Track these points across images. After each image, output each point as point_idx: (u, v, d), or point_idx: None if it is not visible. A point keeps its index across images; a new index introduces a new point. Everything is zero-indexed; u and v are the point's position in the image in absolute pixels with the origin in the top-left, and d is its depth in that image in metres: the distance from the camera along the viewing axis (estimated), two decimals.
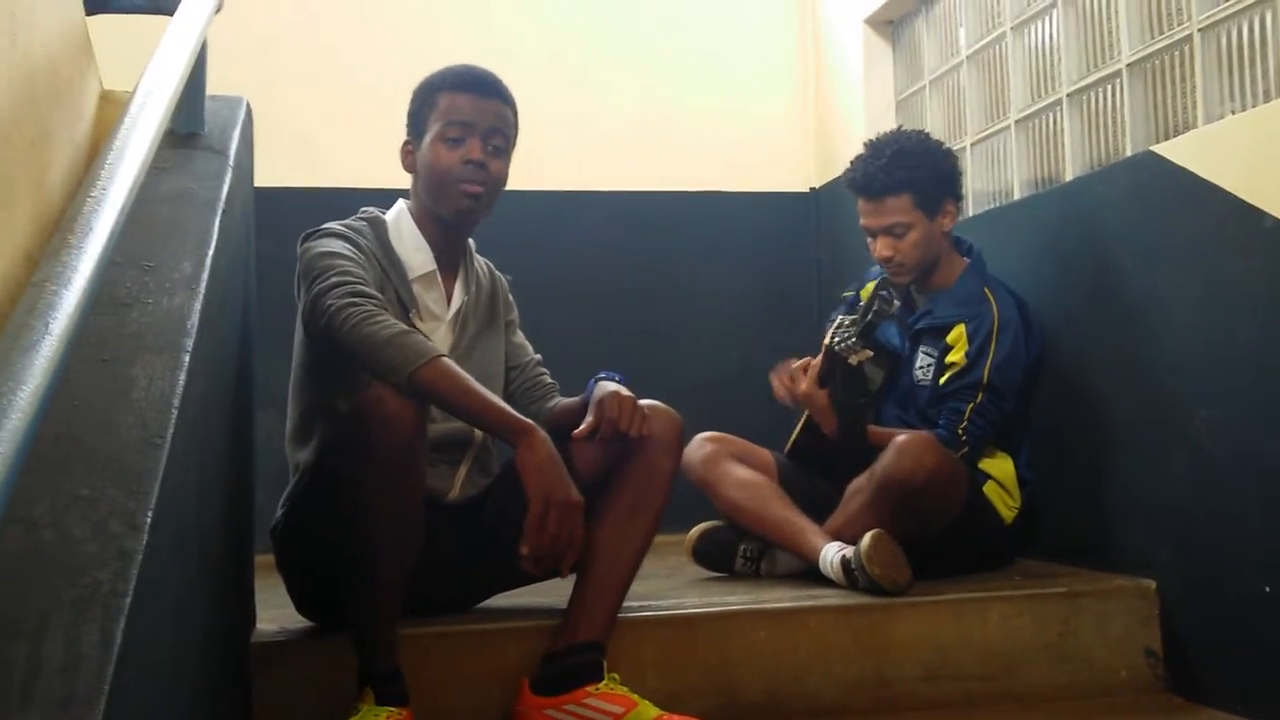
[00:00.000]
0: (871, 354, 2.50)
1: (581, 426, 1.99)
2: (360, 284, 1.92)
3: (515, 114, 2.16)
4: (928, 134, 2.75)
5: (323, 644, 2.05)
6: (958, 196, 2.69)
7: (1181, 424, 2.22)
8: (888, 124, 3.69)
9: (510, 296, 2.33)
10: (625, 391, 2.01)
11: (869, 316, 2.48)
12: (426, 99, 2.14)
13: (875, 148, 2.66)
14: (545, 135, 3.82)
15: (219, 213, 1.73)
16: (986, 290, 2.58)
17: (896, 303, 2.55)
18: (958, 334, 2.56)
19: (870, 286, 2.61)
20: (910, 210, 2.59)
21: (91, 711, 0.90)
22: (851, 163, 2.70)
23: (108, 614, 0.98)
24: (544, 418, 2.14)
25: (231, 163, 1.95)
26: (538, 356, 2.31)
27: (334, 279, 1.91)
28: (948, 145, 2.75)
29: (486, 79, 2.14)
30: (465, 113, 2.09)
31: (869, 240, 2.67)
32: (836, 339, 2.52)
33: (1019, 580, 2.43)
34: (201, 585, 1.50)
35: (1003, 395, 2.51)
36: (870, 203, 2.63)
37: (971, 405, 2.50)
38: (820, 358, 2.61)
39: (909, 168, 2.59)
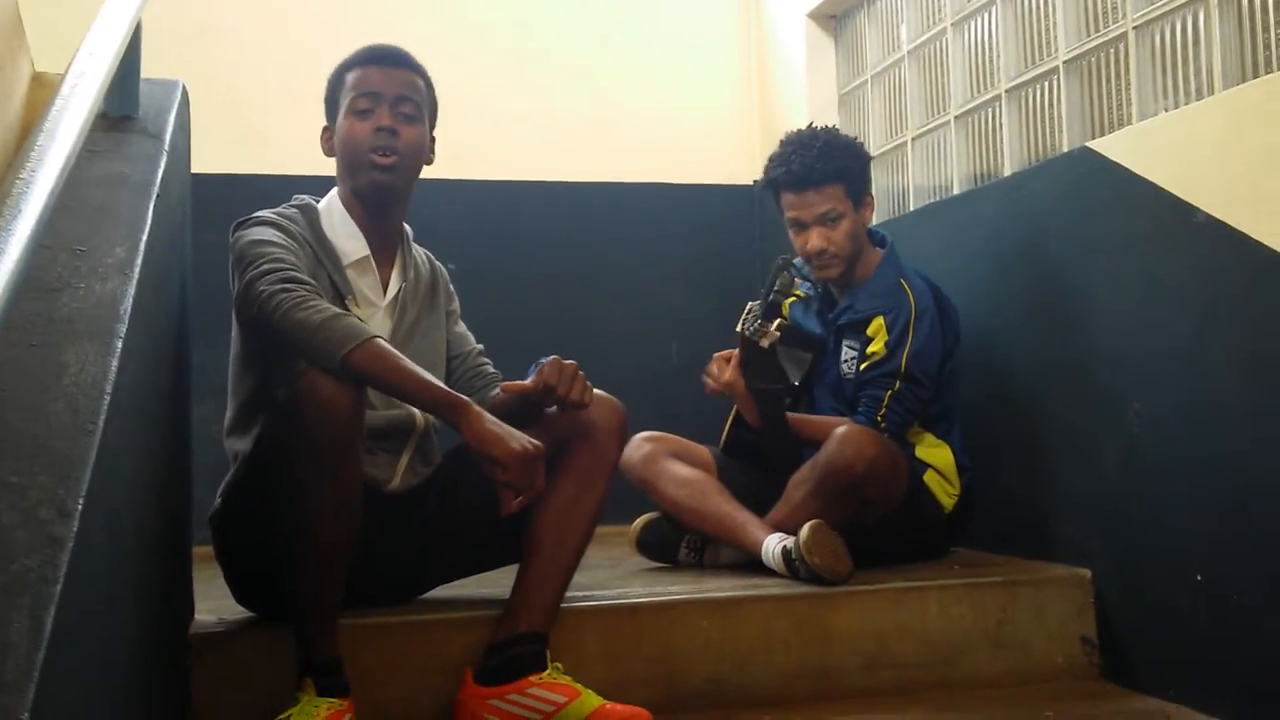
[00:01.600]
0: (779, 335, 2.50)
1: (518, 383, 1.99)
2: (292, 270, 1.90)
3: (428, 83, 2.16)
4: (837, 129, 2.79)
5: (262, 634, 2.02)
6: (872, 193, 2.75)
7: (1115, 416, 2.26)
8: (830, 118, 3.73)
9: (451, 286, 2.31)
10: (568, 360, 2.00)
11: (770, 296, 2.49)
12: (338, 80, 2.15)
13: (801, 141, 2.68)
14: (493, 126, 3.83)
15: (153, 197, 1.71)
16: (902, 281, 2.62)
17: (799, 279, 2.58)
18: (877, 326, 2.60)
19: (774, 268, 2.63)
20: (843, 199, 2.63)
21: (20, 699, 0.88)
22: (774, 159, 2.71)
23: (37, 601, 0.96)
24: (486, 406, 2.13)
25: (166, 147, 1.92)
26: (480, 346, 2.30)
27: (265, 266, 1.88)
28: (864, 143, 2.81)
29: (393, 51, 2.14)
30: (374, 83, 2.09)
31: (795, 234, 2.68)
32: (746, 325, 2.53)
33: (958, 569, 2.47)
34: (136, 574, 1.48)
35: (920, 383, 2.55)
36: (804, 194, 2.64)
37: (890, 393, 2.54)
38: (739, 347, 2.63)
39: (840, 159, 2.64)
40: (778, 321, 2.50)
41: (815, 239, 2.64)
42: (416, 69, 2.15)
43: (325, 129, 2.17)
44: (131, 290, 1.44)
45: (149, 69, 2.06)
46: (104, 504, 1.20)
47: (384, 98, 2.08)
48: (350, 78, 2.11)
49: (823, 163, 2.62)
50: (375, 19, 3.81)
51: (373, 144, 2.07)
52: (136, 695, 1.45)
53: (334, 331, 1.78)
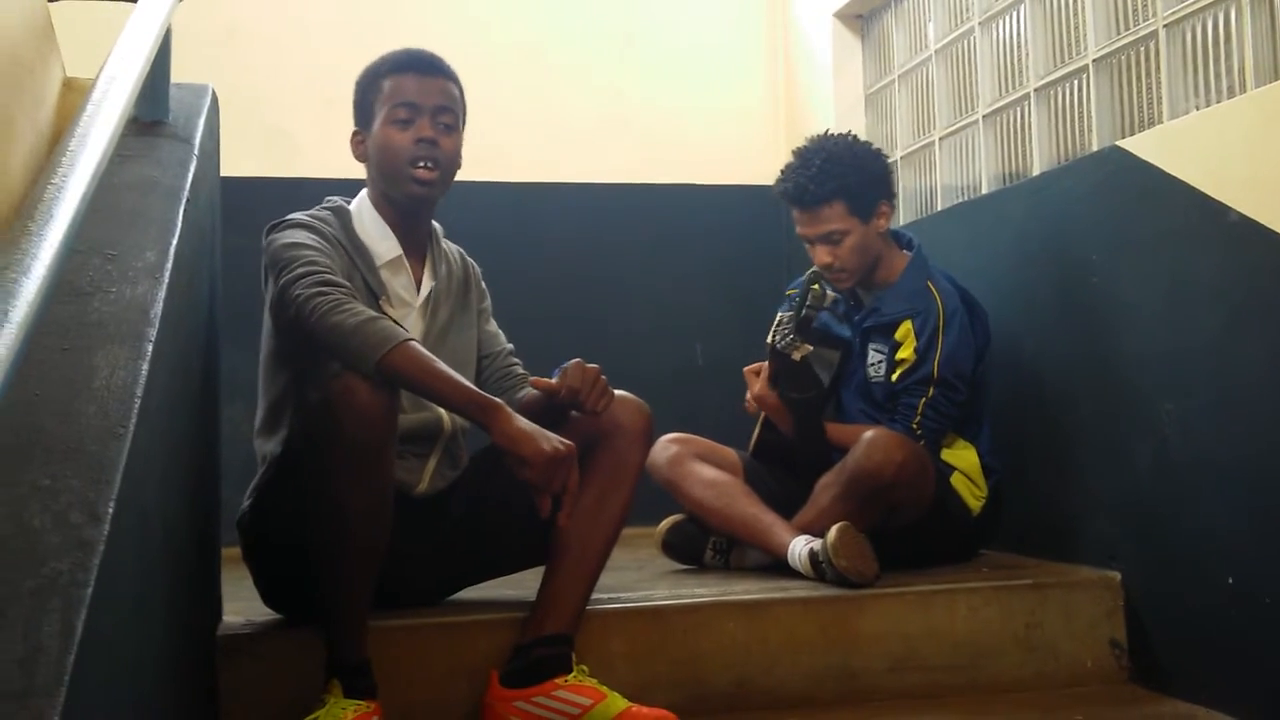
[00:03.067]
0: (811, 348, 2.49)
1: (546, 379, 1.99)
2: (328, 273, 1.91)
3: (461, 91, 2.16)
4: (855, 136, 2.74)
5: (289, 636, 2.03)
6: (890, 196, 2.69)
7: (1146, 417, 2.24)
8: (857, 118, 3.71)
9: (484, 284, 2.32)
10: (593, 365, 2.00)
11: (803, 311, 2.48)
12: (370, 85, 2.14)
13: (804, 157, 2.65)
14: (516, 128, 3.83)
15: (183, 201, 1.72)
16: (930, 284, 2.60)
17: (829, 294, 2.56)
18: (905, 330, 2.58)
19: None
20: (845, 217, 2.59)
21: (50, 703, 0.88)
22: (782, 172, 2.68)
23: (68, 605, 0.97)
24: (515, 407, 2.13)
25: (196, 151, 1.94)
26: (510, 346, 2.30)
27: (301, 269, 1.89)
28: (877, 146, 2.75)
29: (429, 58, 2.14)
30: (412, 93, 2.09)
31: (808, 247, 2.67)
32: (777, 337, 2.52)
33: (986, 572, 2.45)
34: (165, 576, 1.49)
35: (954, 387, 2.53)
36: (804, 213, 2.63)
37: (924, 400, 2.52)
38: (768, 359, 2.62)
39: (839, 175, 2.58)
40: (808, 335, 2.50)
41: (821, 255, 2.62)
42: (452, 76, 2.15)
43: (356, 133, 2.16)
44: (162, 294, 1.45)
45: (178, 73, 2.08)
46: (134, 507, 1.20)
47: (424, 109, 2.08)
48: (387, 85, 2.10)
49: (817, 184, 2.58)
50: (399, 22, 3.83)
51: (413, 155, 2.07)
52: (166, 697, 1.46)
53: (369, 335, 1.79)
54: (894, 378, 2.58)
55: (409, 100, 2.08)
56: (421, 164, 2.07)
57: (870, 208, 2.62)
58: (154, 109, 1.99)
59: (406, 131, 2.07)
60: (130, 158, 1.79)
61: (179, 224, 1.65)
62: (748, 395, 2.70)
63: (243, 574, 2.11)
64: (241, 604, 2.18)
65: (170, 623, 1.52)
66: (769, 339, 2.55)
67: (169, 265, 1.52)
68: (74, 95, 2.00)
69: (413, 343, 1.82)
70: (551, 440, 1.80)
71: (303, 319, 1.84)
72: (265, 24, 3.81)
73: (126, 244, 1.55)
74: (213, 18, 3.45)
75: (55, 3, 2.03)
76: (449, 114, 2.11)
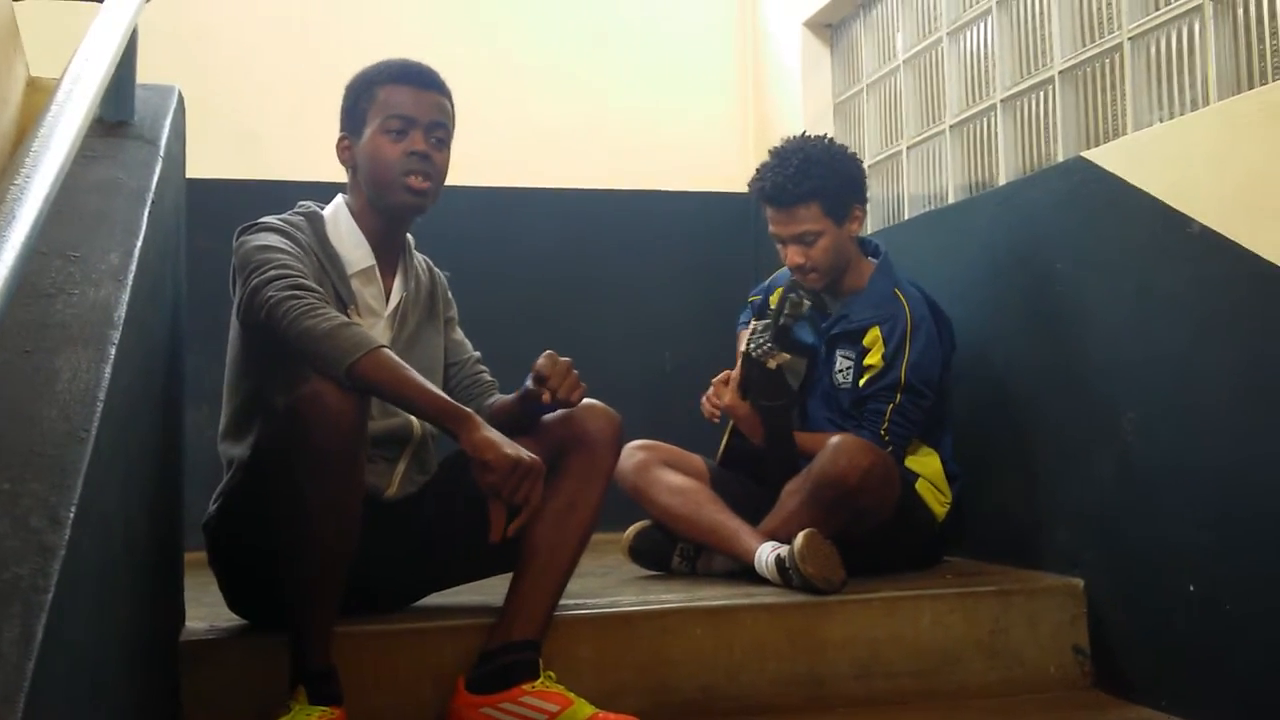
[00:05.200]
0: (789, 357, 2.51)
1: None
2: (300, 277, 1.90)
3: (452, 105, 2.16)
4: (832, 139, 2.76)
5: (253, 642, 2.02)
6: (864, 201, 2.70)
7: (1109, 425, 2.26)
8: (826, 126, 3.73)
9: (449, 293, 2.31)
10: (565, 358, 2.00)
11: (780, 320, 2.49)
12: (364, 93, 2.12)
13: (781, 156, 2.65)
14: (487, 132, 3.82)
15: (148, 203, 1.70)
16: (897, 291, 2.61)
17: (807, 302, 2.57)
18: (873, 336, 2.59)
19: (780, 291, 2.63)
20: (820, 218, 2.60)
21: (10, 708, 0.87)
22: (758, 171, 2.69)
23: (28, 610, 0.96)
24: (485, 414, 2.13)
25: (162, 152, 1.92)
26: (477, 354, 2.29)
27: (272, 272, 1.88)
28: (853, 150, 2.77)
29: (425, 71, 2.13)
30: (407, 106, 2.08)
31: (779, 247, 2.68)
32: (753, 345, 2.53)
33: (951, 578, 2.47)
34: (127, 581, 1.47)
35: (921, 393, 2.55)
36: (779, 212, 2.63)
37: (891, 405, 2.53)
38: (738, 368, 2.62)
39: (817, 176, 2.59)
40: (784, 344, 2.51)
41: (793, 255, 2.63)
42: (445, 91, 2.14)
43: (344, 139, 2.14)
44: (125, 296, 1.44)
45: (145, 73, 2.06)
46: (96, 511, 1.19)
47: (418, 122, 2.07)
48: (381, 94, 2.09)
49: (795, 183, 2.59)
50: (371, 24, 3.82)
51: (406, 167, 2.06)
52: (127, 704, 1.45)
53: (341, 340, 1.78)
54: (861, 383, 2.59)
55: (404, 113, 2.07)
56: (414, 176, 2.06)
57: (845, 211, 2.63)
58: (119, 110, 1.97)
59: (399, 143, 2.06)
60: (94, 159, 1.77)
61: (143, 226, 1.63)
62: (705, 396, 2.70)
63: (206, 579, 2.09)
64: (205, 609, 2.16)
65: (132, 628, 1.51)
66: (743, 347, 2.56)
67: (133, 267, 1.51)
68: (38, 95, 1.99)
69: (384, 350, 1.81)
70: (519, 450, 1.80)
71: (274, 322, 1.83)
72: (234, 25, 3.78)
73: (90, 246, 1.53)
74: (180, 18, 3.42)
75: (20, 1, 2.01)
76: (442, 129, 2.11)
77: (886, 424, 2.53)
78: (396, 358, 1.83)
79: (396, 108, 2.08)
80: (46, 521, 1.05)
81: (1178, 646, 2.10)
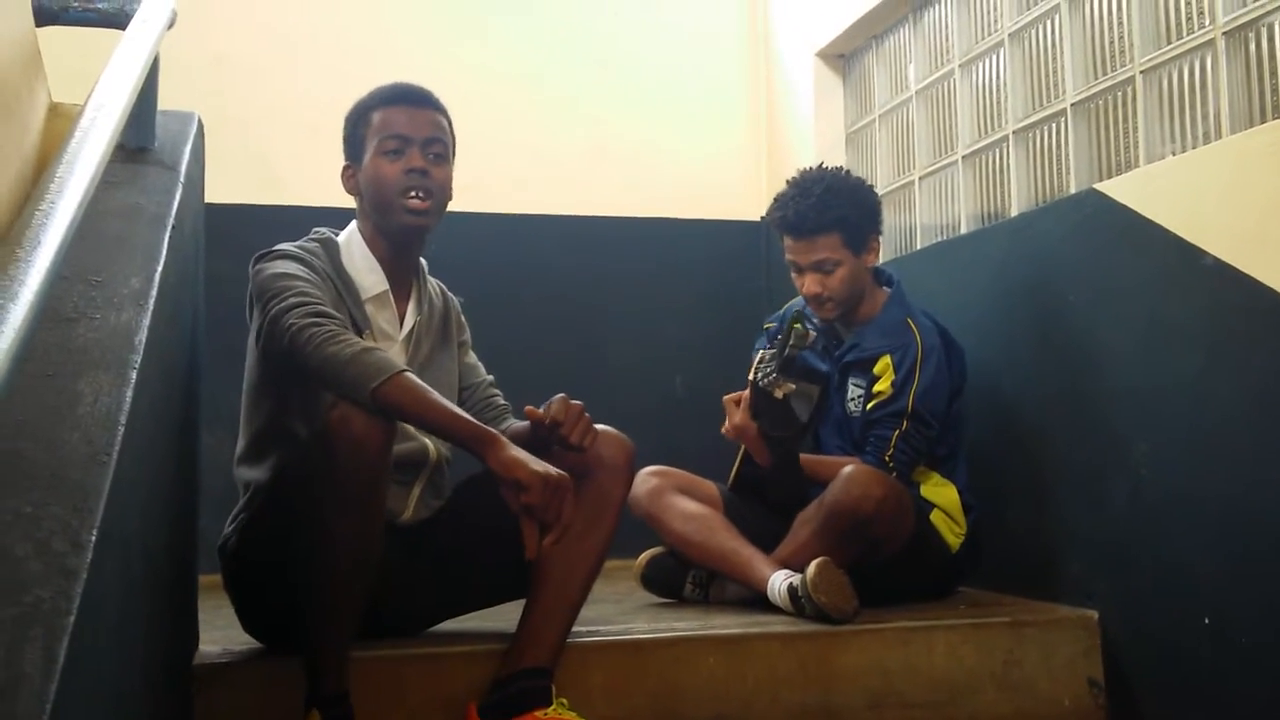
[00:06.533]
0: (794, 387, 2.51)
1: (536, 410, 1.98)
2: (320, 304, 1.91)
3: (450, 123, 2.17)
4: (849, 171, 2.78)
5: (267, 666, 2.01)
6: (880, 232, 2.73)
7: (1122, 456, 2.26)
8: (838, 156, 3.75)
9: (463, 318, 2.32)
10: (576, 402, 2.00)
11: (785, 350, 2.49)
12: (360, 119, 2.15)
13: (802, 186, 2.66)
14: (502, 160, 3.85)
15: (169, 228, 1.71)
16: (909, 320, 2.62)
17: (813, 333, 2.56)
18: (884, 364, 2.60)
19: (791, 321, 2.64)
20: (839, 248, 2.62)
21: None
22: (778, 200, 2.70)
23: (50, 633, 0.96)
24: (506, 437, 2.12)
25: (182, 178, 1.94)
26: (490, 378, 2.30)
27: (292, 299, 1.89)
28: (871, 182, 2.78)
29: (417, 91, 2.15)
30: (401, 125, 2.10)
31: (794, 276, 2.69)
32: (759, 374, 2.53)
33: (964, 609, 2.46)
34: (145, 605, 1.48)
35: (926, 422, 2.55)
36: (800, 241, 2.65)
37: (897, 432, 2.53)
38: (749, 392, 2.62)
39: (838, 207, 2.61)
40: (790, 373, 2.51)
41: (810, 284, 2.64)
42: (441, 109, 2.16)
43: (347, 167, 2.17)
44: (146, 321, 1.45)
45: (165, 99, 2.08)
46: (116, 535, 1.20)
47: (414, 140, 2.09)
48: (376, 118, 2.12)
49: (817, 212, 2.60)
50: (383, 53, 3.85)
51: (404, 185, 2.07)
52: None
53: (365, 365, 1.78)
54: (869, 406, 2.60)
55: (399, 132, 2.09)
56: (413, 194, 2.08)
57: (863, 241, 2.65)
58: (140, 136, 1.99)
59: (397, 162, 2.08)
60: (116, 184, 1.78)
61: (164, 251, 1.64)
62: (725, 425, 2.70)
63: (219, 602, 2.09)
64: (218, 633, 2.16)
65: (149, 651, 1.51)
66: (750, 375, 2.57)
67: (153, 292, 1.52)
68: (60, 121, 2.00)
69: (408, 373, 1.81)
70: (547, 466, 1.79)
71: (296, 349, 1.83)
72: (252, 53, 3.82)
73: (112, 270, 1.54)
74: (200, 46, 3.46)
75: (43, 28, 2.04)
76: (439, 144, 2.12)
77: (892, 450, 2.53)
78: (420, 381, 1.83)
79: (392, 128, 2.10)
80: (68, 545, 1.06)
81: (1192, 679, 2.09)
